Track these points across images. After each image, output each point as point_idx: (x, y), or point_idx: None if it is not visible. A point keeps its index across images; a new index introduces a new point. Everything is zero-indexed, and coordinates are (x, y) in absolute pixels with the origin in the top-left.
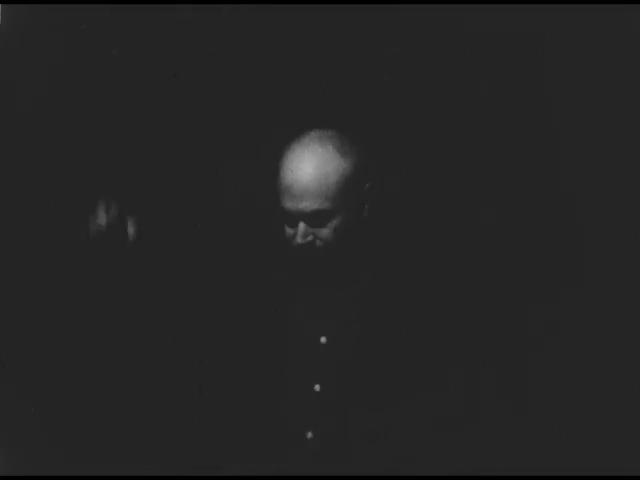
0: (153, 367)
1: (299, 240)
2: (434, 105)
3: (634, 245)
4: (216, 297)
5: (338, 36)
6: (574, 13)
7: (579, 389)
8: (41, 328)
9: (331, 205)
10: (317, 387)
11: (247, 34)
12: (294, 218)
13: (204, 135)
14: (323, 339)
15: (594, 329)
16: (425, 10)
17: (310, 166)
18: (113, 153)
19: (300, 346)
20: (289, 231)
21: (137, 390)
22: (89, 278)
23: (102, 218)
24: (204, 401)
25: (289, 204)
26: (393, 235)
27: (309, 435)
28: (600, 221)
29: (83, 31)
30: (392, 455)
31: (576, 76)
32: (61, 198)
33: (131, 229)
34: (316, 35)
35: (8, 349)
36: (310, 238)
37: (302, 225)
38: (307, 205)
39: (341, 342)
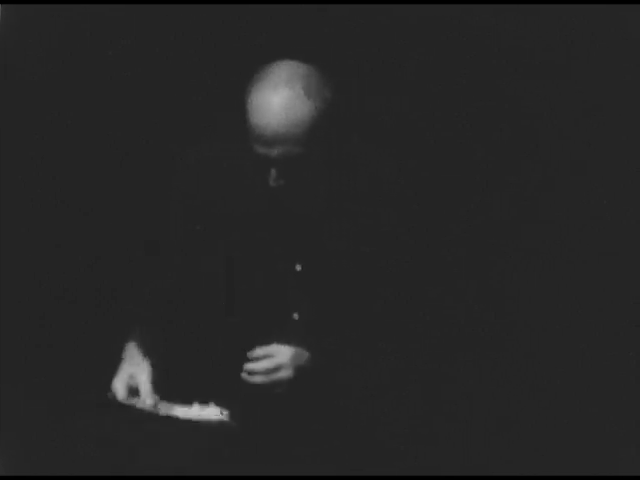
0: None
1: (272, 183)
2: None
3: (634, 245)
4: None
5: None
6: (574, 13)
7: (579, 389)
8: (42, 328)
9: (302, 149)
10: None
11: None
12: (266, 163)
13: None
14: (298, 267)
15: (593, 328)
16: None
17: (279, 110)
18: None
19: (276, 275)
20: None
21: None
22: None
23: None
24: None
25: (261, 149)
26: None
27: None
28: (600, 221)
29: (83, 31)
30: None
31: (576, 76)
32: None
33: None
34: None
35: (8, 349)
36: (282, 182)
37: (273, 171)
38: (278, 150)
39: (315, 270)
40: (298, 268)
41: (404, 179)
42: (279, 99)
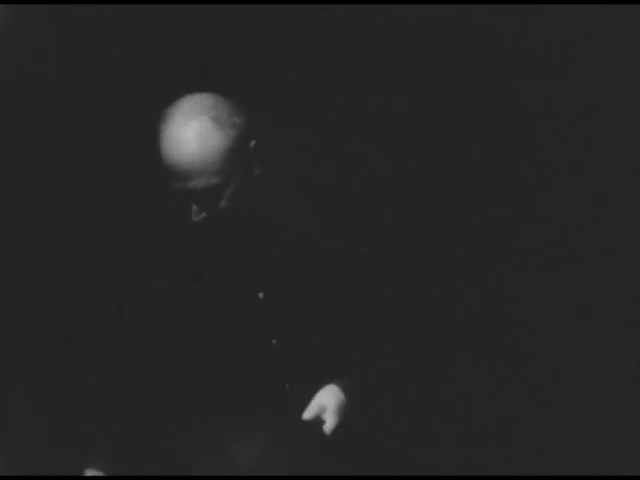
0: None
1: (194, 219)
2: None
3: (634, 245)
4: None
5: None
6: (574, 13)
7: (579, 389)
8: (42, 328)
9: (219, 179)
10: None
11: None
12: (186, 198)
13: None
14: (261, 295)
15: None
16: None
17: (191, 144)
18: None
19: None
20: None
21: (135, 389)
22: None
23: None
24: None
25: (177, 185)
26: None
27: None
28: (599, 221)
29: (81, 31)
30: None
31: (575, 76)
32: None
33: None
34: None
35: (9, 349)
36: (204, 215)
37: (194, 206)
38: (195, 184)
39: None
40: (261, 296)
41: (400, 178)
42: (189, 132)
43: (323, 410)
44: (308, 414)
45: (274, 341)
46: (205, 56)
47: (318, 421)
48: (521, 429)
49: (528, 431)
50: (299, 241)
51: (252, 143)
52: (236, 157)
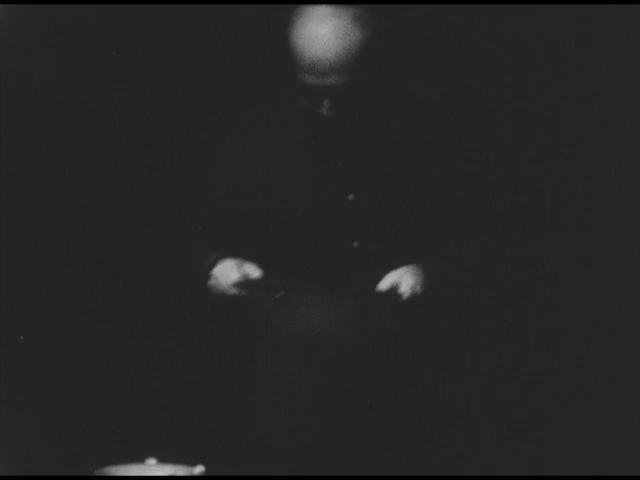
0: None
1: (325, 113)
2: None
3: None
4: None
5: None
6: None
7: (579, 389)
8: (42, 328)
9: (356, 77)
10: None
11: None
12: (317, 93)
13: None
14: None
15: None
16: None
17: (330, 40)
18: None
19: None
20: (308, 104)
21: (135, 388)
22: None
23: None
24: None
25: (313, 81)
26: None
27: None
28: (599, 222)
29: (82, 31)
30: None
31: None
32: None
33: None
34: None
35: (9, 349)
36: (335, 111)
37: (326, 101)
38: (331, 80)
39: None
40: (350, 197)
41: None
42: (329, 29)
43: (397, 285)
44: (383, 285)
45: (350, 197)
46: None
47: (390, 295)
48: (521, 429)
49: (528, 431)
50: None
51: (388, 47)
52: (373, 60)
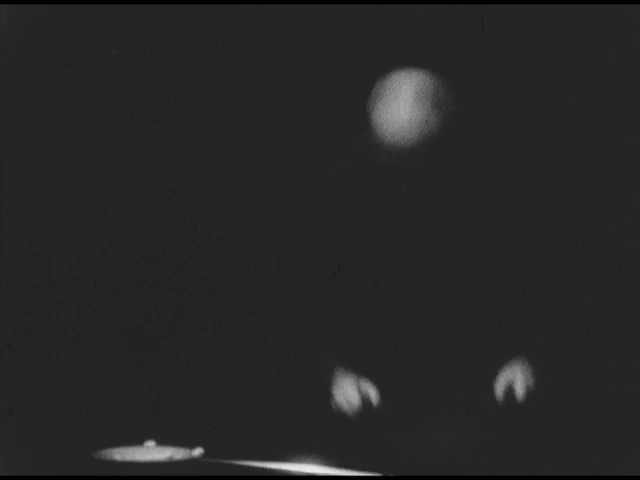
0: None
1: (402, 191)
2: None
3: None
4: None
5: None
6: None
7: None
8: (42, 328)
9: (432, 159)
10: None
11: None
12: (397, 173)
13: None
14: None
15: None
16: None
17: (410, 125)
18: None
19: None
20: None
21: (135, 387)
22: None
23: None
24: None
25: (392, 161)
26: None
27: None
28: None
29: (83, 31)
30: None
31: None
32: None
33: None
34: None
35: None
36: (410, 191)
37: (404, 180)
38: (409, 162)
39: None
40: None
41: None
42: (409, 115)
43: (511, 383)
44: (499, 388)
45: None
46: None
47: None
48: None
49: (528, 431)
50: None
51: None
52: (451, 138)
